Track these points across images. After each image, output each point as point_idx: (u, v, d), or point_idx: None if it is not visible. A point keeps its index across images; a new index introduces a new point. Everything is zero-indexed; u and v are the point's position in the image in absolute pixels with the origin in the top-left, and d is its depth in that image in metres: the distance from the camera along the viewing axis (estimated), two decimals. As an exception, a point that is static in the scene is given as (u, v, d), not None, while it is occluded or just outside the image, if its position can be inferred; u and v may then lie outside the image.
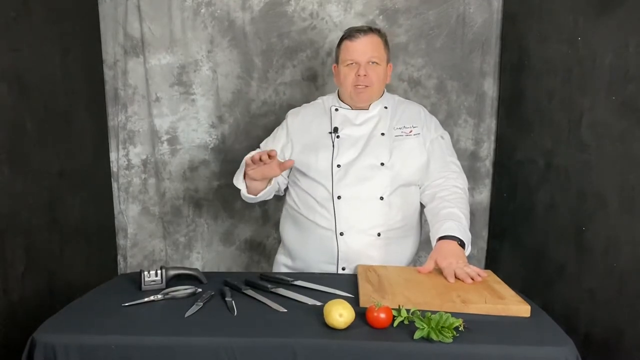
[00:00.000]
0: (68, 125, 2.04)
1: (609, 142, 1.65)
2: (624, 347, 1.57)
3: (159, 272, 1.51)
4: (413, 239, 1.88)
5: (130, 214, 2.47)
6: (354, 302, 1.36)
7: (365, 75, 1.77)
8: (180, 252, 2.52)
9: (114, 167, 2.43)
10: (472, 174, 2.41)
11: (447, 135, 1.93)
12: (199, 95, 2.41)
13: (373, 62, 1.78)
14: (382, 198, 1.77)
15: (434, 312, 1.22)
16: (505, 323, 1.28)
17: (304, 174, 1.83)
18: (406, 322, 1.24)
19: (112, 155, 2.43)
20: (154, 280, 1.50)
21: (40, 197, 1.84)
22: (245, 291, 1.47)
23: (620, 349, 1.58)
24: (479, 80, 2.40)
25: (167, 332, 1.23)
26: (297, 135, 1.88)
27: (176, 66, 2.38)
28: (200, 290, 1.48)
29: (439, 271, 1.57)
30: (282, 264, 1.94)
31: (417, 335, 1.18)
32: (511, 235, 2.30)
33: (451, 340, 1.16)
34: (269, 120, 2.41)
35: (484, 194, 2.47)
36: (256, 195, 1.80)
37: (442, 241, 1.64)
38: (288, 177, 1.92)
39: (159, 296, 1.43)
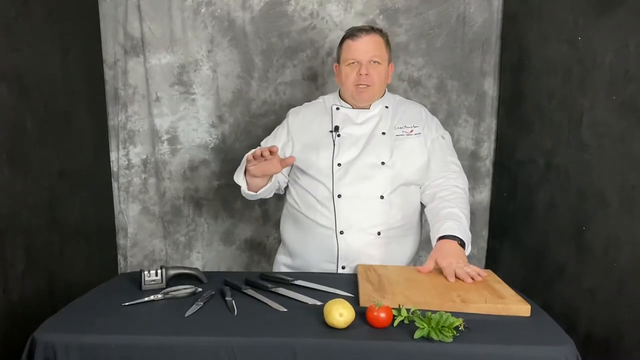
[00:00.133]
0: (68, 125, 2.04)
1: (609, 142, 1.64)
2: (624, 347, 1.57)
3: (159, 271, 1.51)
4: (413, 238, 1.89)
5: (131, 214, 2.47)
6: (354, 301, 1.36)
7: (366, 74, 1.77)
8: (180, 251, 2.52)
9: (114, 166, 2.43)
10: (472, 174, 2.41)
11: (447, 136, 1.93)
12: (199, 94, 2.41)
13: (375, 62, 1.78)
14: (382, 197, 1.77)
15: (434, 312, 1.23)
16: (506, 323, 1.28)
17: (304, 173, 1.83)
18: (406, 321, 1.24)
19: (112, 155, 2.43)
20: (154, 280, 1.50)
21: (40, 197, 1.84)
22: (245, 291, 1.47)
23: (620, 348, 1.58)
24: (479, 80, 2.40)
25: (167, 331, 1.23)
26: (298, 134, 1.88)
27: (176, 66, 2.38)
28: (200, 289, 1.48)
29: (439, 271, 1.57)
30: (282, 263, 1.94)
31: (417, 334, 1.18)
32: (511, 235, 2.30)
33: (451, 339, 1.16)
34: (269, 120, 2.41)
35: (484, 194, 2.47)
36: (256, 192, 1.81)
37: (442, 241, 1.64)
38: (288, 175, 1.92)
39: (159, 296, 1.43)
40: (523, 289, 1.48)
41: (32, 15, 1.79)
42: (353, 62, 1.79)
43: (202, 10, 2.35)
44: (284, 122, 1.95)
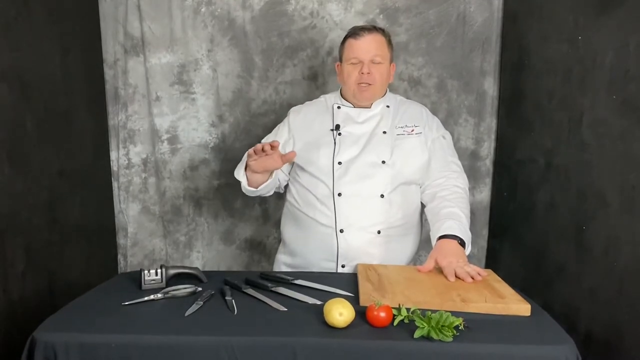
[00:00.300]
0: (68, 125, 2.04)
1: (609, 141, 1.64)
2: (624, 347, 1.57)
3: (159, 271, 1.51)
4: (413, 237, 1.89)
5: (131, 213, 2.47)
6: (354, 301, 1.36)
7: (368, 73, 1.77)
8: (180, 251, 2.52)
9: (114, 166, 2.43)
10: (472, 173, 2.41)
11: (448, 136, 1.94)
12: (199, 94, 2.41)
13: (376, 61, 1.78)
14: (382, 196, 1.77)
15: (434, 311, 1.23)
16: (506, 322, 1.28)
17: (304, 171, 1.84)
18: (406, 321, 1.24)
19: (113, 155, 2.43)
20: (154, 279, 1.50)
21: (40, 196, 1.84)
22: (245, 290, 1.47)
23: (620, 348, 1.58)
24: (479, 80, 2.40)
25: (167, 331, 1.23)
26: (299, 132, 1.88)
27: (176, 65, 2.38)
28: (200, 289, 1.48)
29: (439, 270, 1.57)
30: (282, 262, 1.95)
31: (417, 334, 1.18)
32: (511, 235, 2.30)
33: (451, 339, 1.16)
34: (269, 119, 2.41)
35: (484, 193, 2.47)
36: (256, 188, 1.81)
37: (442, 240, 1.64)
38: (289, 173, 1.92)
39: (159, 295, 1.43)
40: (523, 289, 1.48)
41: (32, 15, 1.79)
42: (355, 61, 1.79)
43: (202, 10, 2.35)
44: (285, 121, 1.95)
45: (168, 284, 1.50)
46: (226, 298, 1.41)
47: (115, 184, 2.44)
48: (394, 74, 1.92)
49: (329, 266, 1.79)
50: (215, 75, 2.40)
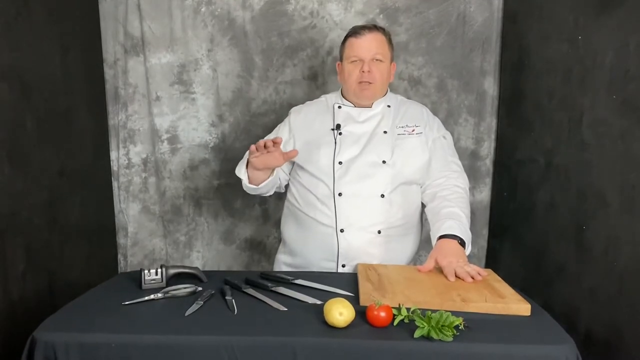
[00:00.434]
0: (68, 125, 2.04)
1: (610, 141, 1.64)
2: (624, 346, 1.57)
3: (159, 270, 1.51)
4: (413, 237, 1.89)
5: (131, 213, 2.47)
6: (354, 300, 1.36)
7: (369, 71, 1.77)
8: (180, 250, 2.52)
9: (114, 166, 2.43)
10: (472, 173, 2.41)
11: (449, 136, 1.94)
12: (199, 94, 2.41)
13: (377, 60, 1.79)
14: (382, 196, 1.77)
15: (434, 311, 1.23)
16: (506, 322, 1.28)
17: (305, 171, 1.84)
18: (406, 320, 1.24)
19: (113, 154, 2.43)
20: (154, 279, 1.50)
21: (40, 196, 1.84)
22: (245, 290, 1.47)
23: (620, 348, 1.58)
24: (479, 79, 2.40)
25: (167, 330, 1.23)
26: (300, 132, 1.88)
27: (176, 65, 2.38)
28: (200, 288, 1.48)
29: (439, 270, 1.57)
30: (282, 262, 1.95)
31: (417, 334, 1.18)
32: (511, 234, 2.30)
33: (451, 339, 1.16)
34: (269, 119, 2.41)
35: (485, 193, 2.47)
36: (257, 185, 1.81)
37: (442, 240, 1.64)
38: (289, 173, 1.92)
39: (159, 295, 1.43)
40: (523, 288, 1.48)
41: (32, 15, 1.79)
42: (356, 60, 1.79)
43: (202, 10, 2.35)
44: (286, 120, 1.95)
45: (168, 284, 1.50)
46: (226, 298, 1.41)
47: (115, 184, 2.44)
48: (394, 74, 1.92)
49: (329, 266, 1.79)
50: (215, 75, 2.40)
